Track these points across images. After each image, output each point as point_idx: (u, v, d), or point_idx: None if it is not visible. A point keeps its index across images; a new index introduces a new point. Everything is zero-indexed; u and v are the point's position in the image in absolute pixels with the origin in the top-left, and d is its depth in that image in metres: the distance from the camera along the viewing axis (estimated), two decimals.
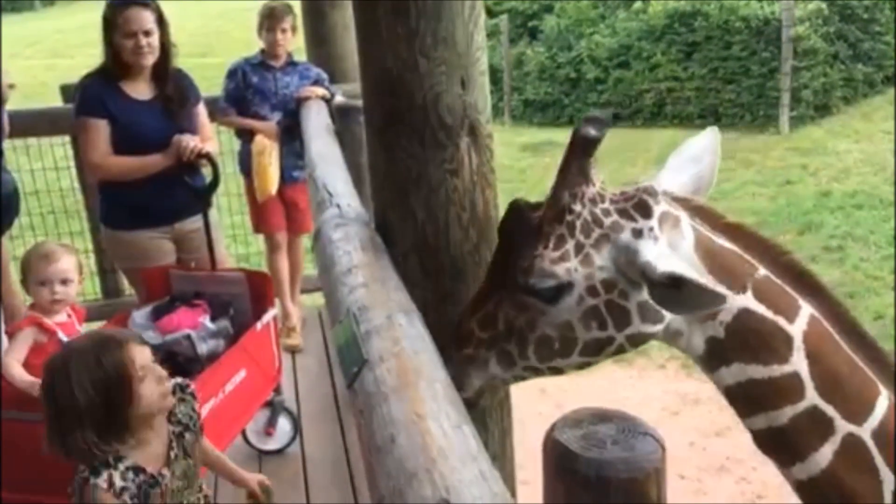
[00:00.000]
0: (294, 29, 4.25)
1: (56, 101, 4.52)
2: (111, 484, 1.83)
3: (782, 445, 1.42)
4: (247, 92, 4.16)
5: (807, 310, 1.39)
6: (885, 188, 7.70)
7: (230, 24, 22.35)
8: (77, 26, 24.55)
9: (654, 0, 11.80)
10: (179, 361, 2.70)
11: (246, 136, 4.22)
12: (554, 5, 13.14)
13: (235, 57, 4.38)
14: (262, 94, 4.16)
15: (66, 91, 4.28)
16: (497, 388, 1.64)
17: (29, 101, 7.25)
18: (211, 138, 3.53)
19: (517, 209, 1.46)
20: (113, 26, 3.19)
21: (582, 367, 1.46)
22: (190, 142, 3.19)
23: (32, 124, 4.31)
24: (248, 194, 4.37)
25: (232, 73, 4.19)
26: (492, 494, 0.89)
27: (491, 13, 12.50)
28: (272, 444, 3.40)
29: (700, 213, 1.41)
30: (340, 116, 3.80)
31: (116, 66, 3.23)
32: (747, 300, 1.37)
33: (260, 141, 4.06)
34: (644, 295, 1.35)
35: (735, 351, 1.39)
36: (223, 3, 22.99)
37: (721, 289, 1.29)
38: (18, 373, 2.46)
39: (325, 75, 4.23)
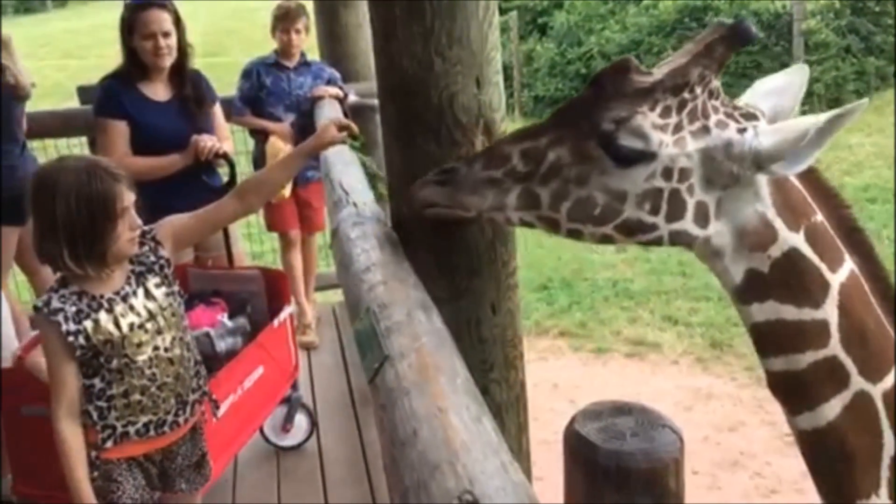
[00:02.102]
0: (307, 29, 4.28)
1: (69, 102, 4.58)
2: (47, 304, 1.93)
3: (795, 391, 1.44)
4: (261, 93, 4.20)
5: (849, 264, 1.40)
6: None
7: (241, 23, 22.41)
8: (89, 27, 24.68)
9: None
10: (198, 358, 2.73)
11: (260, 136, 4.26)
12: (563, 2, 13.13)
13: (247, 57, 4.41)
14: (275, 95, 4.19)
15: (83, 92, 4.32)
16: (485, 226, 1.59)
17: (42, 101, 7.29)
18: (228, 138, 3.57)
19: (626, 65, 1.39)
20: (131, 28, 3.22)
21: (603, 241, 1.43)
22: (207, 142, 3.23)
23: (48, 125, 4.36)
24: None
25: (247, 74, 4.23)
26: (514, 486, 0.91)
27: (500, 10, 12.50)
28: (289, 441, 3.43)
29: None
30: (354, 115, 3.83)
31: (135, 67, 3.27)
32: (799, 240, 1.38)
33: (274, 143, 4.09)
34: (707, 195, 1.36)
35: (774, 288, 1.40)
36: (234, 3, 23.06)
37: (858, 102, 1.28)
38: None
39: (338, 75, 4.26)
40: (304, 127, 4.11)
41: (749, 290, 1.42)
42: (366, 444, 3.50)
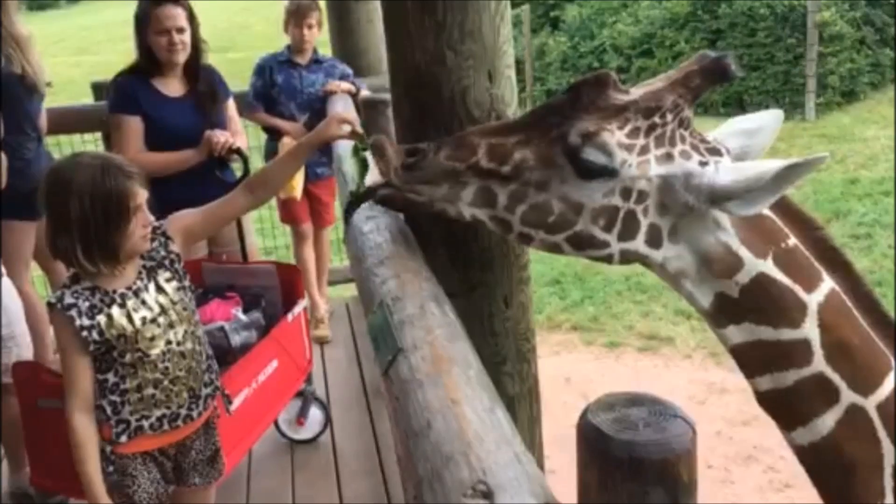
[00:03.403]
0: (320, 24, 4.29)
1: (83, 97, 4.60)
2: (60, 300, 1.95)
3: (785, 408, 1.44)
4: (272, 90, 4.21)
5: (828, 283, 1.41)
6: None
7: (252, 18, 22.48)
8: (102, 23, 24.81)
9: None
10: (213, 352, 2.75)
11: (272, 132, 4.27)
12: None
13: (258, 52, 4.42)
14: (287, 93, 4.20)
15: (97, 88, 4.35)
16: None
17: (57, 97, 7.34)
18: (241, 133, 3.59)
19: (605, 79, 1.40)
20: (146, 24, 3.24)
21: (552, 250, 1.44)
22: (221, 137, 3.25)
23: (63, 121, 4.38)
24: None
25: (259, 71, 4.24)
26: (527, 477, 0.91)
27: (512, 3, 12.48)
28: (304, 434, 3.45)
29: None
30: (366, 110, 3.83)
31: (149, 63, 3.29)
32: (766, 265, 1.39)
33: (287, 144, 4.10)
34: (661, 220, 1.37)
35: (747, 311, 1.41)
36: None
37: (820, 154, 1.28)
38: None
39: (350, 71, 4.27)
40: (316, 125, 4.12)
41: (722, 314, 1.44)
42: (379, 437, 3.52)
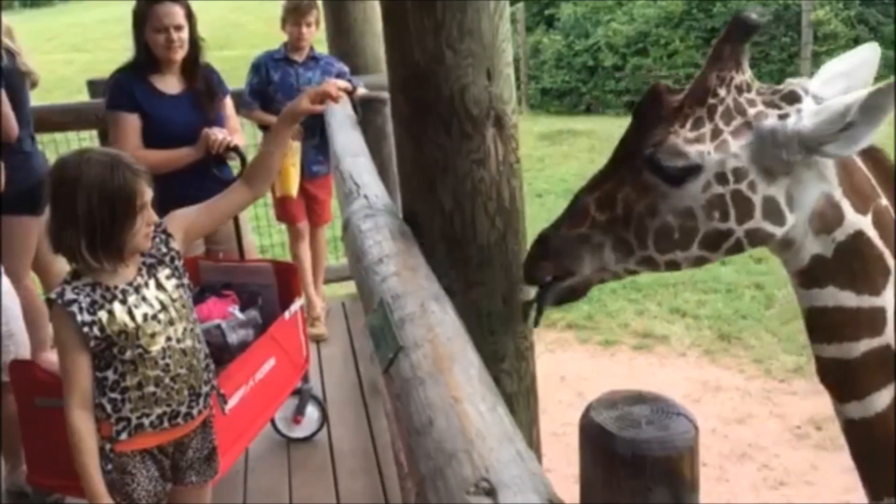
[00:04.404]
0: (318, 22, 4.29)
1: (77, 96, 4.60)
2: (61, 296, 1.94)
3: (845, 379, 1.42)
4: (269, 87, 4.21)
5: None
6: None
7: (247, 16, 22.44)
8: (96, 20, 24.72)
9: None
10: (210, 350, 2.75)
11: (268, 129, 4.27)
12: None
13: (253, 49, 4.42)
14: (283, 91, 4.19)
15: (93, 86, 4.34)
16: (583, 293, 1.57)
17: (50, 95, 7.33)
18: (238, 131, 3.59)
19: (657, 90, 1.43)
20: (144, 21, 3.24)
21: (699, 262, 1.44)
22: (219, 135, 3.25)
23: (59, 119, 4.38)
24: (270, 187, 4.41)
25: (256, 68, 4.24)
26: (530, 474, 0.92)
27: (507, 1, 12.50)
28: (300, 432, 3.46)
29: None
30: (363, 108, 3.83)
31: (147, 60, 3.28)
32: (865, 223, 1.37)
33: None
34: (771, 188, 1.36)
35: (836, 273, 1.39)
36: None
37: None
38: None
39: (346, 69, 4.27)
40: (313, 124, 4.12)
41: (812, 276, 1.41)
42: (376, 435, 3.52)
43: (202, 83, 3.37)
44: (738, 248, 1.42)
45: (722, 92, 1.37)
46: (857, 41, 10.69)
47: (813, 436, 4.16)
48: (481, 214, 1.77)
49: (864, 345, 1.38)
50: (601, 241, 1.45)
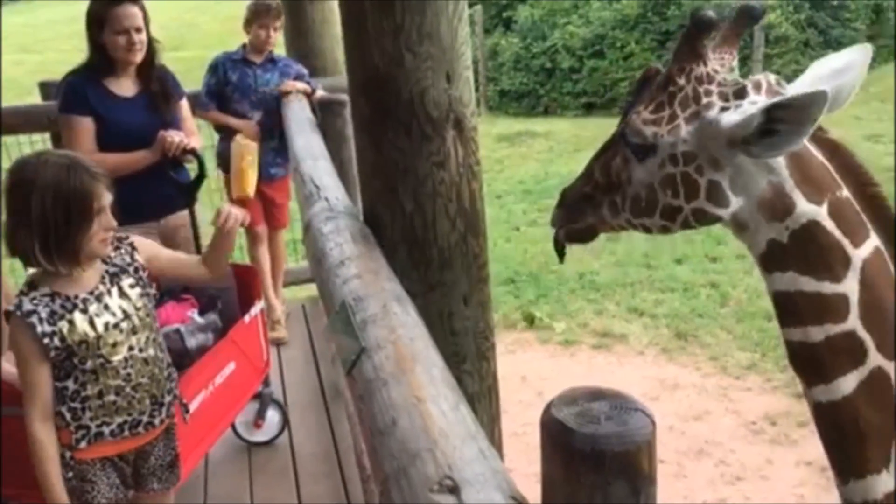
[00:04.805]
0: (282, 26, 4.28)
1: (26, 98, 4.51)
2: (19, 307, 1.92)
3: (812, 363, 1.46)
4: (226, 88, 4.17)
5: (874, 241, 1.43)
6: None
7: (202, 16, 22.19)
8: (46, 21, 24.25)
9: None
10: (169, 355, 2.72)
11: (225, 131, 4.24)
12: None
13: (209, 50, 4.38)
14: (241, 91, 4.17)
15: (45, 88, 4.26)
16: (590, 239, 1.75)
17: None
18: (195, 133, 3.54)
19: (648, 73, 1.57)
20: (102, 23, 3.18)
21: (665, 230, 1.56)
22: (175, 137, 3.22)
23: (7, 122, 4.28)
24: (227, 189, 4.38)
25: (213, 69, 4.19)
26: (492, 471, 0.93)
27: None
28: (261, 436, 3.43)
29: None
30: (322, 111, 3.83)
31: (103, 62, 3.23)
32: (820, 213, 1.41)
33: (239, 141, 4.06)
34: (716, 175, 1.44)
35: (793, 259, 1.43)
36: None
37: (820, 87, 1.31)
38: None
39: (305, 71, 4.25)
40: (271, 125, 4.10)
41: (771, 259, 1.46)
42: (338, 439, 3.52)
43: (157, 85, 3.33)
44: (689, 224, 1.52)
45: (681, 81, 1.47)
46: (807, 44, 10.95)
47: (768, 431, 4.25)
48: (442, 216, 1.78)
49: (828, 329, 1.42)
50: (600, 199, 1.61)
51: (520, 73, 12.52)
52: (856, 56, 1.54)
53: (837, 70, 1.53)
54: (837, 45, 11.31)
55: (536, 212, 7.61)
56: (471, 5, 12.60)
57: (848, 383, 1.43)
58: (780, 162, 1.41)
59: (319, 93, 4.07)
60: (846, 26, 11.47)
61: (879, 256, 1.43)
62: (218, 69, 4.18)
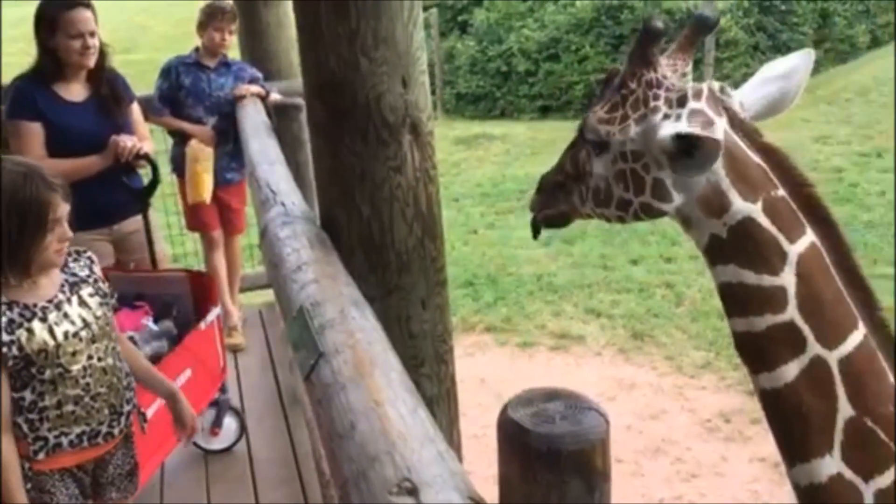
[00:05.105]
0: (237, 30, 4.24)
1: None
2: None
3: (755, 351, 1.54)
4: (179, 93, 4.11)
5: (810, 237, 1.50)
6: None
7: (153, 19, 21.88)
8: None
9: None
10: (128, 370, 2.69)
11: (179, 136, 4.18)
12: None
13: (160, 54, 4.32)
14: (195, 96, 4.12)
15: None
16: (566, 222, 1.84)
17: None
18: (148, 138, 3.50)
19: (612, 73, 1.65)
20: (54, 26, 3.12)
21: (621, 220, 1.66)
22: (127, 142, 3.17)
23: None
24: (181, 194, 4.33)
25: (165, 73, 4.14)
26: (451, 473, 0.94)
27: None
28: (218, 444, 3.40)
29: (743, 126, 1.53)
30: (277, 114, 3.80)
31: (52, 67, 3.17)
32: (754, 210, 1.49)
33: (194, 146, 4.01)
34: (661, 173, 1.53)
35: (733, 252, 1.51)
36: None
37: (715, 133, 1.45)
38: None
39: (259, 74, 4.21)
40: (226, 129, 4.06)
41: (713, 253, 1.55)
42: (296, 444, 3.49)
43: (107, 89, 3.27)
44: (640, 216, 1.62)
45: (633, 85, 1.56)
46: (756, 48, 11.17)
47: (722, 429, 4.33)
48: (399, 220, 1.78)
49: (769, 320, 1.50)
50: (570, 188, 1.72)
51: (476, 76, 12.56)
52: (799, 61, 1.63)
53: (782, 74, 1.62)
54: (786, 48, 11.55)
55: (494, 215, 7.65)
56: (426, 9, 12.65)
57: (789, 371, 1.50)
58: (718, 162, 1.49)
59: (274, 96, 4.04)
60: (794, 30, 11.72)
61: (815, 251, 1.50)
62: (170, 73, 4.13)
